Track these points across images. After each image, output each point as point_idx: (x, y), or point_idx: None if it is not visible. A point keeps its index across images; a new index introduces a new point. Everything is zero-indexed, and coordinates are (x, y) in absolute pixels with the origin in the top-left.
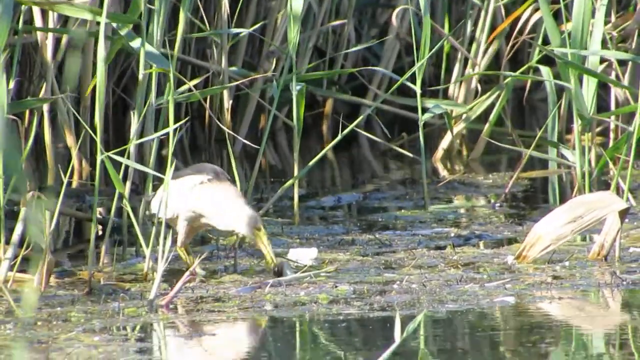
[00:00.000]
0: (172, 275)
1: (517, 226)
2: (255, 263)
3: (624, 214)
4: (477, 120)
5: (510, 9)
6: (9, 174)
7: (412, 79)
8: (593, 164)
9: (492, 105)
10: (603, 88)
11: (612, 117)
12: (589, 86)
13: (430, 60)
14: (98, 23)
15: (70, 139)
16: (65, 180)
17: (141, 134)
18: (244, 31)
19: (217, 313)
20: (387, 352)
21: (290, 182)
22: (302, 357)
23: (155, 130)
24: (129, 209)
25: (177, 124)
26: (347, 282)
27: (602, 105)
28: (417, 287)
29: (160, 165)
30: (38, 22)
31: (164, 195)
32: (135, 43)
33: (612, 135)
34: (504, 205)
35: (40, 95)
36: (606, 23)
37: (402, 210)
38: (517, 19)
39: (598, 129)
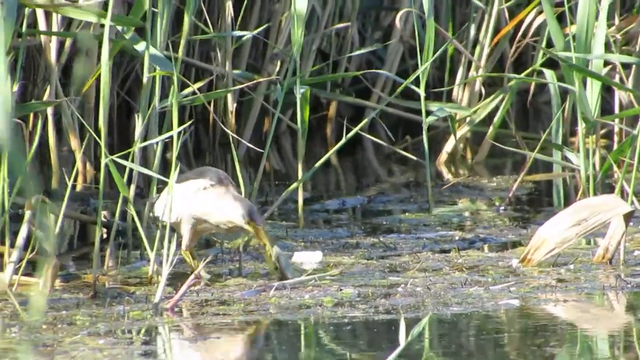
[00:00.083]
0: (176, 278)
1: (521, 229)
2: (260, 266)
3: (628, 217)
4: (481, 123)
5: (514, 12)
6: (16, 177)
7: (416, 82)
8: (597, 167)
9: (496, 108)
10: (607, 91)
11: (616, 120)
12: (593, 89)
13: (434, 64)
14: (102, 26)
15: (74, 142)
16: (70, 184)
17: (145, 137)
18: (247, 34)
19: (222, 316)
20: (393, 356)
21: (294, 185)
22: None
23: (160, 134)
24: (133, 212)
25: (181, 127)
26: (352, 285)
27: (606, 108)
28: (421, 290)
29: (165, 168)
30: (42, 25)
31: (168, 199)
32: (140, 46)
33: (616, 138)
34: (508, 209)
35: (44, 99)
36: (610, 26)
37: (407, 214)
38: (521, 21)
39: (602, 132)
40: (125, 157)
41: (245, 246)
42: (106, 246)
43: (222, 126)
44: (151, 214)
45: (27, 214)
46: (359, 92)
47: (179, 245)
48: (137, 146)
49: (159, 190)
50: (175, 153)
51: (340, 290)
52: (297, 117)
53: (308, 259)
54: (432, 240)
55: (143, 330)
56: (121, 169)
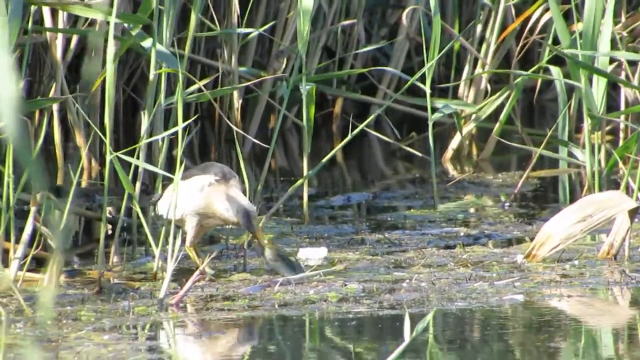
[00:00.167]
0: (181, 274)
1: (526, 226)
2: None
3: (633, 213)
4: (487, 120)
5: (521, 9)
6: (27, 175)
7: (422, 78)
8: (603, 163)
9: (502, 105)
10: (613, 88)
11: (622, 117)
12: (599, 86)
13: (440, 61)
14: (109, 23)
15: (79, 139)
16: (75, 180)
17: (151, 134)
18: (254, 31)
19: (227, 312)
20: (398, 351)
21: (300, 181)
22: (311, 356)
23: (165, 131)
24: (138, 209)
25: (186, 123)
26: (357, 281)
27: (612, 104)
28: (426, 286)
29: (170, 165)
30: (48, 22)
31: (173, 195)
32: (146, 43)
33: (621, 134)
34: (513, 205)
35: (50, 95)
36: (616, 23)
37: (412, 210)
38: (528, 19)
39: (608, 129)
40: (131, 154)
41: (250, 242)
42: (111, 242)
43: (228, 122)
44: (154, 213)
45: (32, 210)
46: (364, 89)
47: (183, 241)
48: (143, 142)
49: (164, 187)
50: (180, 150)
51: (345, 285)
52: (303, 114)
53: (313, 255)
54: (437, 236)
55: (148, 326)
56: (127, 165)
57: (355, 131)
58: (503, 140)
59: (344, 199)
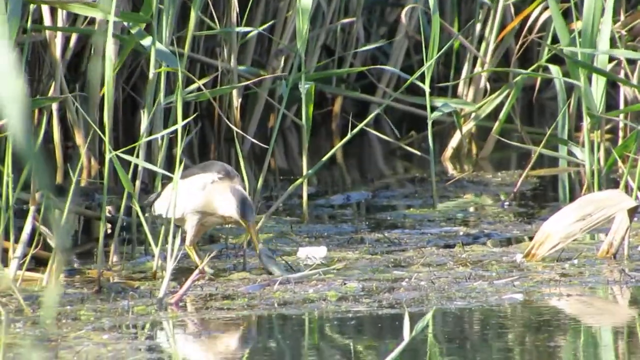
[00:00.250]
0: (181, 273)
1: (526, 225)
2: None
3: (633, 212)
4: (486, 119)
5: (520, 8)
6: (33, 171)
7: (421, 77)
8: (602, 162)
9: (502, 104)
10: (612, 86)
11: (621, 116)
12: (598, 84)
13: (439, 59)
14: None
15: (79, 138)
16: (75, 179)
17: (150, 133)
18: (253, 30)
19: (226, 311)
20: (397, 350)
21: (299, 180)
22: (311, 355)
23: (165, 129)
24: (137, 208)
25: (185, 121)
26: (356, 280)
27: (611, 103)
28: (425, 285)
29: (170, 164)
30: (47, 20)
31: (172, 194)
32: (146, 42)
33: (621, 133)
34: (513, 204)
35: (49, 94)
36: (615, 22)
37: (411, 209)
38: (527, 17)
39: (607, 127)
40: (130, 153)
41: (250, 241)
42: (111, 241)
43: (227, 122)
44: (151, 212)
45: (31, 209)
46: (364, 88)
47: (183, 240)
48: (142, 140)
49: (164, 186)
50: (180, 149)
51: (345, 284)
52: (302, 112)
53: (313, 253)
54: (436, 235)
55: (147, 325)
56: (127, 164)
57: (355, 130)
58: (502, 139)
59: (344, 198)
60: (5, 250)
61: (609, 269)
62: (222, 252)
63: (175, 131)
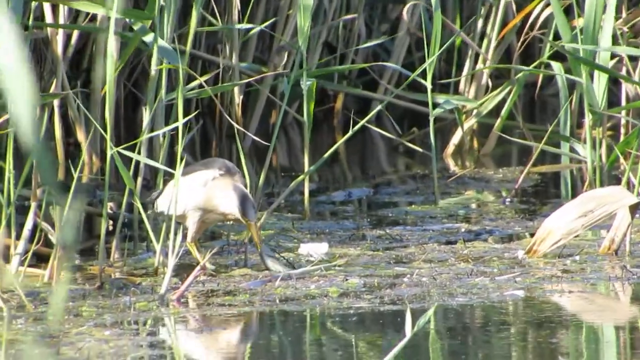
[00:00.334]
0: (182, 270)
1: (527, 221)
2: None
3: (634, 208)
4: (488, 115)
5: (522, 5)
6: (41, 168)
7: (423, 74)
8: (604, 158)
9: (503, 100)
10: (614, 83)
11: (623, 112)
12: (600, 81)
13: (441, 56)
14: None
15: (80, 135)
16: (76, 175)
17: (152, 130)
18: (255, 27)
19: (228, 307)
20: (399, 346)
21: (301, 177)
22: (312, 351)
23: (166, 126)
24: (139, 204)
25: (186, 118)
26: (358, 276)
27: (613, 100)
28: (427, 281)
29: (172, 160)
30: (48, 17)
31: (174, 191)
32: (148, 38)
33: (622, 130)
34: (514, 201)
35: (51, 91)
36: (617, 19)
37: (413, 206)
38: (528, 14)
39: (609, 124)
40: (132, 149)
41: (251, 239)
42: (112, 238)
43: (229, 118)
44: (153, 210)
45: (33, 205)
46: (365, 84)
47: (184, 237)
48: (144, 137)
49: (165, 183)
50: (181, 145)
51: (346, 280)
52: (304, 109)
53: (314, 250)
54: (438, 232)
55: (149, 321)
56: (128, 161)
57: (357, 127)
58: (504, 136)
59: (345, 194)
60: (7, 247)
61: (610, 266)
62: (224, 249)
63: (177, 128)
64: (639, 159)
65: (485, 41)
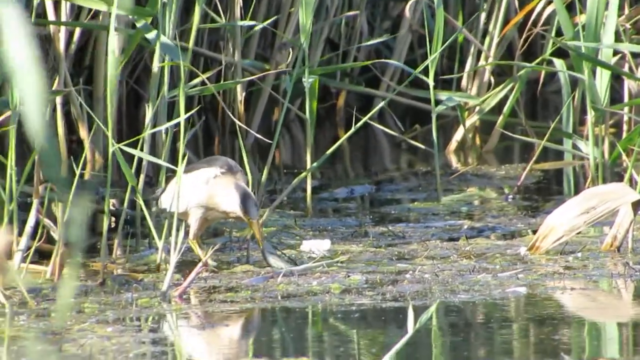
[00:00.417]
0: (184, 266)
1: (530, 218)
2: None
3: (637, 205)
4: (491, 112)
5: (524, 1)
6: (51, 174)
7: (425, 71)
8: (606, 155)
9: (506, 97)
10: (616, 80)
11: (626, 109)
12: (603, 78)
13: (443, 53)
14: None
15: (83, 132)
16: (78, 172)
17: (154, 127)
18: (257, 24)
19: (230, 303)
20: (400, 343)
21: (303, 174)
22: (314, 347)
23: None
24: (141, 201)
25: (188, 114)
26: (360, 272)
27: (615, 97)
28: (429, 277)
29: (174, 158)
30: (51, 14)
31: (176, 189)
32: (150, 35)
33: (625, 127)
34: (516, 197)
35: (53, 88)
36: (619, 15)
37: (415, 202)
38: (531, 11)
39: (611, 121)
40: (134, 146)
41: (253, 236)
42: (114, 235)
43: (231, 115)
44: (156, 207)
45: (35, 202)
46: (368, 82)
47: (186, 233)
48: (146, 133)
49: (168, 180)
50: (183, 142)
51: (348, 277)
52: (306, 106)
53: (316, 247)
54: (440, 228)
55: (151, 318)
56: (131, 158)
57: (359, 124)
58: (506, 133)
59: (348, 191)
60: (9, 243)
61: (612, 262)
62: (226, 245)
63: (179, 125)
64: None
65: (487, 38)
